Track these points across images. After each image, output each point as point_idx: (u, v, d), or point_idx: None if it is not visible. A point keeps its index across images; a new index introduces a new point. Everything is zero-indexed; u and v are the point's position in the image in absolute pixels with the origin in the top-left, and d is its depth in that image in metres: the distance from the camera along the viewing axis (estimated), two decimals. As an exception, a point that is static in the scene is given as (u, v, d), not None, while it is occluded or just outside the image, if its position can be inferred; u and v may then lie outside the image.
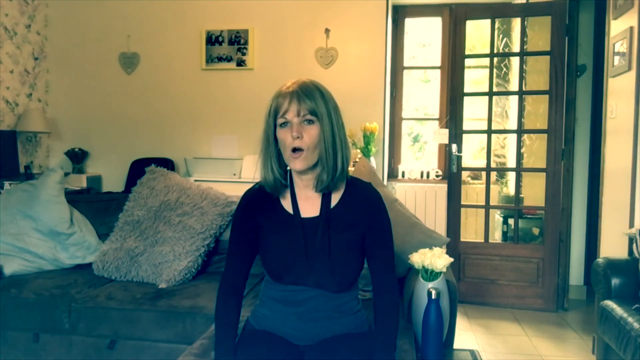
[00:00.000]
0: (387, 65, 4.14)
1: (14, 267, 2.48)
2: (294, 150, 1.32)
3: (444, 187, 4.10)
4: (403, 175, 4.41)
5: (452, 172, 3.84)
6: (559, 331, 3.28)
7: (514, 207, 3.94)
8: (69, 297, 2.21)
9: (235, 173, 4.06)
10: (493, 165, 4.09)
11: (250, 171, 4.04)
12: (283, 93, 1.33)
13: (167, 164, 4.23)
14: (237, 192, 2.33)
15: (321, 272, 1.36)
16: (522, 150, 3.91)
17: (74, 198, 2.92)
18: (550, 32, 3.66)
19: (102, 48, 4.46)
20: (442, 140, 4.21)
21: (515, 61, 4.17)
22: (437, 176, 4.33)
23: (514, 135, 3.97)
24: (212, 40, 4.27)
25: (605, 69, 3.21)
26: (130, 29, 4.41)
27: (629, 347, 2.06)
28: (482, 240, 3.84)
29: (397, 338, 1.40)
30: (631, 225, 2.76)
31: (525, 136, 3.97)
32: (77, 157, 4.43)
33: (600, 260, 2.54)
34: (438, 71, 4.52)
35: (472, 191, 4.31)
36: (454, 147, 3.81)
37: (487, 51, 3.87)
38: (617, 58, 3.02)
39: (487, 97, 3.86)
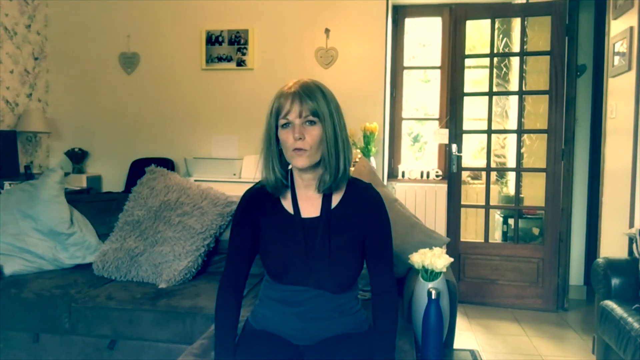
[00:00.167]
0: (387, 65, 4.14)
1: (14, 267, 2.48)
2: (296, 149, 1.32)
3: (444, 187, 4.10)
4: (403, 175, 4.41)
5: (452, 172, 3.84)
6: (559, 331, 3.28)
7: (514, 207, 3.95)
8: (69, 297, 2.21)
9: (235, 173, 4.06)
10: (493, 165, 4.09)
11: (251, 171, 4.04)
12: (285, 93, 1.33)
13: (167, 164, 4.23)
14: (237, 192, 2.33)
15: (321, 272, 1.37)
16: (522, 150, 3.91)
17: (74, 198, 2.92)
18: (550, 32, 3.66)
19: (102, 48, 4.46)
20: (442, 140, 4.21)
21: (515, 61, 4.17)
22: (437, 176, 4.33)
23: (514, 135, 3.97)
24: (212, 40, 4.27)
25: (605, 69, 3.21)
26: (130, 29, 4.41)
27: (629, 347, 2.06)
28: (482, 240, 3.84)
29: (396, 338, 1.40)
30: (631, 225, 2.76)
31: (525, 136, 3.97)
32: (77, 157, 4.43)
33: (600, 260, 2.54)
34: (438, 71, 4.52)
35: (472, 191, 4.31)
36: (454, 147, 3.81)
37: (487, 51, 3.87)
38: (617, 58, 3.02)
39: (487, 97, 3.86)
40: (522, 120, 3.88)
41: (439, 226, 4.13)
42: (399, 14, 4.47)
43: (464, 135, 3.86)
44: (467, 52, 3.82)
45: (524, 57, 3.84)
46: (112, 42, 4.44)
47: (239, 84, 4.28)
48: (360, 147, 3.91)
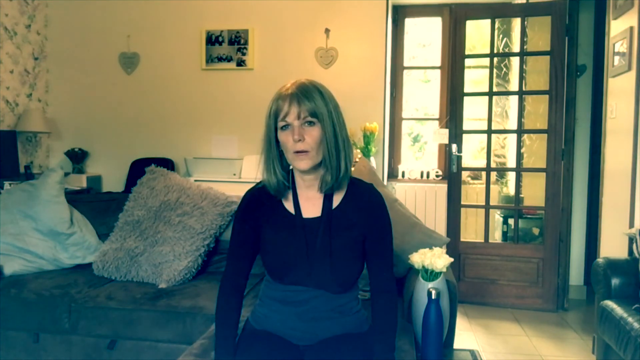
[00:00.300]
0: (387, 65, 4.14)
1: (14, 267, 2.48)
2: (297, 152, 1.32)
3: (444, 187, 4.10)
4: (403, 175, 4.41)
5: (452, 172, 3.84)
6: (559, 331, 3.28)
7: (514, 207, 3.95)
8: (69, 297, 2.21)
9: (235, 173, 4.06)
10: (493, 165, 4.10)
11: (251, 171, 4.04)
12: (283, 95, 1.33)
13: (167, 164, 4.23)
14: (237, 192, 2.34)
15: (322, 272, 1.36)
16: (522, 150, 3.91)
17: (74, 198, 2.92)
18: (550, 32, 3.66)
19: (102, 48, 4.46)
20: (442, 140, 4.21)
21: (515, 61, 4.17)
22: (437, 176, 4.33)
23: (514, 135, 3.98)
24: (212, 40, 4.27)
25: (605, 69, 3.21)
26: (130, 29, 4.41)
27: (629, 347, 2.06)
28: (482, 240, 3.84)
29: (396, 338, 1.40)
30: (631, 225, 2.76)
31: (525, 136, 3.98)
32: (77, 157, 4.43)
33: (600, 260, 2.55)
34: (438, 71, 4.52)
35: (472, 191, 4.31)
36: (454, 147, 3.81)
37: (487, 51, 3.87)
38: (617, 58, 3.02)
39: (487, 97, 3.86)
40: (522, 120, 3.88)
41: (439, 226, 4.13)
42: (399, 14, 4.47)
43: (464, 135, 3.86)
44: (467, 52, 3.82)
45: (524, 57, 3.84)
46: (112, 42, 4.44)
47: (239, 84, 4.28)
48: (360, 147, 3.91)
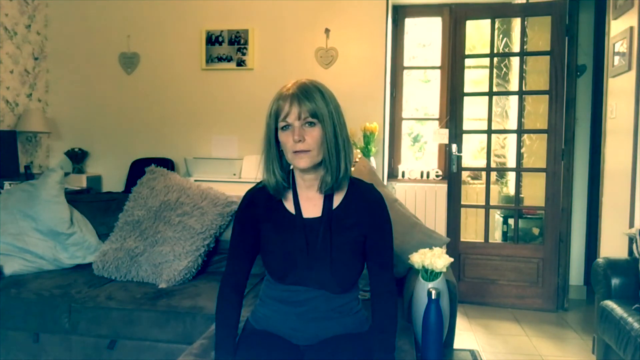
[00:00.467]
0: (387, 65, 4.14)
1: (14, 267, 2.48)
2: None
3: (444, 187, 4.10)
4: (403, 175, 4.41)
5: (452, 172, 3.84)
6: (559, 331, 3.28)
7: (514, 207, 3.95)
8: (69, 297, 2.21)
9: (235, 173, 4.06)
10: (493, 165, 4.10)
11: (251, 171, 4.04)
12: (283, 95, 1.33)
13: (167, 164, 4.23)
14: (237, 192, 2.34)
15: (322, 272, 1.36)
16: (522, 150, 3.91)
17: (74, 198, 2.92)
18: (550, 32, 3.66)
19: (102, 48, 4.46)
20: (442, 140, 4.21)
21: (515, 61, 4.17)
22: (437, 176, 4.33)
23: (514, 135, 3.98)
24: (212, 40, 4.27)
25: (605, 69, 3.21)
26: (130, 29, 4.41)
27: (629, 347, 2.06)
28: (482, 240, 3.84)
29: (396, 338, 1.40)
30: (631, 225, 2.76)
31: (525, 136, 3.98)
32: (77, 157, 4.43)
33: (600, 260, 2.55)
34: (438, 71, 4.52)
35: (472, 191, 4.31)
36: (454, 147, 3.81)
37: (487, 51, 3.87)
38: (617, 58, 3.02)
39: (487, 97, 3.86)
40: (522, 120, 3.88)
41: (439, 226, 4.13)
42: (399, 14, 4.47)
43: (464, 135, 3.86)
44: (467, 52, 3.82)
45: (524, 57, 3.84)
46: (112, 42, 4.44)
47: (239, 84, 4.28)
48: (360, 147, 3.91)
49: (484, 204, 3.88)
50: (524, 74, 3.90)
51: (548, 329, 3.31)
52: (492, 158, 3.99)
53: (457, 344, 1.98)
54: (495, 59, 4.03)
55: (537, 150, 3.99)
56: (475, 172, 4.44)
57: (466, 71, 3.83)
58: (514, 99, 4.12)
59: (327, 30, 4.13)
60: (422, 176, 4.35)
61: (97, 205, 2.87)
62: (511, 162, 4.26)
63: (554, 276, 3.66)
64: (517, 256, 3.73)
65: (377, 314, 1.40)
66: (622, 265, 2.47)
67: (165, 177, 2.67)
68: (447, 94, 4.26)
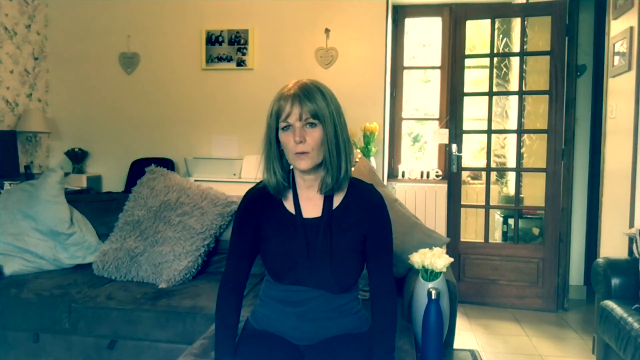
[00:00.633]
0: (387, 65, 4.14)
1: (14, 267, 2.48)
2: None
3: (444, 187, 4.10)
4: (403, 175, 4.41)
5: (452, 172, 3.84)
6: (559, 331, 3.28)
7: (514, 207, 3.95)
8: (69, 297, 2.21)
9: (235, 173, 4.06)
10: (493, 165, 4.10)
11: (251, 171, 4.04)
12: (284, 95, 1.32)
13: (167, 164, 4.23)
14: (237, 192, 2.34)
15: (322, 272, 1.36)
16: (522, 150, 3.91)
17: (74, 198, 2.92)
18: (550, 32, 3.66)
19: (102, 48, 4.46)
20: (442, 140, 4.21)
21: (515, 61, 4.17)
22: (437, 176, 4.33)
23: (514, 135, 3.98)
24: (212, 40, 4.27)
25: (605, 69, 3.21)
26: (130, 29, 4.41)
27: (629, 347, 2.06)
28: (482, 240, 3.84)
29: (396, 338, 1.40)
30: (631, 225, 2.76)
31: (525, 136, 3.98)
32: (77, 157, 4.43)
33: (600, 260, 2.55)
34: (438, 71, 4.52)
35: (472, 191, 4.31)
36: (454, 147, 3.81)
37: (487, 51, 3.87)
38: (617, 58, 3.02)
39: (487, 97, 3.86)
40: (522, 120, 3.88)
41: (439, 226, 4.13)
42: (399, 14, 4.47)
43: (464, 135, 3.86)
44: (467, 52, 3.82)
45: (524, 57, 3.84)
46: (112, 42, 4.44)
47: (239, 84, 4.28)
48: (360, 147, 3.91)
49: (484, 204, 3.88)
50: (524, 74, 3.90)
51: (548, 329, 3.31)
52: (492, 158, 3.99)
53: (457, 344, 1.98)
54: (495, 59, 4.03)
55: (537, 150, 3.99)
56: (475, 172, 4.44)
57: (466, 71, 3.83)
58: (514, 99, 4.12)
59: (327, 30, 4.13)
60: (422, 176, 4.35)
61: (97, 205, 2.87)
62: (511, 162, 4.26)
63: (554, 276, 3.66)
64: (517, 256, 3.73)
65: (377, 314, 1.40)
66: (622, 265, 2.47)
67: (165, 177, 2.67)
68: (447, 94, 4.26)
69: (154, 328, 2.09)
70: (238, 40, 4.24)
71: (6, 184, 3.45)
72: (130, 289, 2.27)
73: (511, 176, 4.29)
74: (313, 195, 1.41)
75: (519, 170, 3.92)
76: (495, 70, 4.00)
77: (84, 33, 4.48)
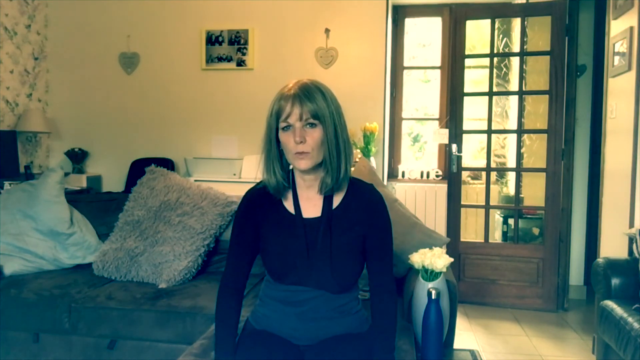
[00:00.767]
0: (387, 65, 4.14)
1: (14, 267, 2.48)
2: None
3: (444, 187, 4.10)
4: (403, 175, 4.41)
5: (452, 172, 3.84)
6: (559, 331, 3.28)
7: (514, 207, 3.95)
8: (69, 297, 2.21)
9: (235, 173, 4.06)
10: (493, 165, 4.10)
11: (251, 171, 4.04)
12: (285, 95, 1.32)
13: (167, 164, 4.23)
14: (237, 192, 2.34)
15: (322, 272, 1.36)
16: (522, 150, 3.91)
17: (74, 198, 2.92)
18: (550, 32, 3.66)
19: (102, 48, 4.46)
20: (442, 140, 4.21)
21: (515, 61, 4.17)
22: (437, 176, 4.33)
23: (514, 135, 3.98)
24: (212, 40, 4.27)
25: (605, 69, 3.21)
26: (130, 29, 4.41)
27: (629, 347, 2.06)
28: (482, 240, 3.84)
29: (396, 338, 1.40)
30: (631, 225, 2.76)
31: (525, 136, 3.98)
32: (77, 157, 4.43)
33: (600, 260, 2.55)
34: (438, 71, 4.52)
35: (472, 191, 4.31)
36: (454, 147, 3.81)
37: (487, 51, 3.87)
38: (617, 58, 3.02)
39: (487, 97, 3.86)
40: (522, 120, 3.88)
41: (439, 226, 4.13)
42: (399, 14, 4.47)
43: (464, 135, 3.86)
44: (467, 52, 3.82)
45: (524, 57, 3.84)
46: (112, 42, 4.44)
47: (239, 84, 4.28)
48: (360, 147, 3.91)
49: (484, 204, 3.88)
50: (524, 74, 3.90)
51: (548, 329, 3.31)
52: (492, 158, 3.99)
53: (457, 344, 1.98)
54: (495, 59, 4.03)
55: (537, 150, 3.99)
56: (475, 172, 4.44)
57: (466, 71, 3.83)
58: (514, 99, 4.12)
59: (327, 30, 4.13)
60: (422, 176, 4.35)
61: (97, 205, 2.87)
62: (511, 162, 4.26)
63: (554, 276, 3.66)
64: (517, 256, 3.73)
65: (377, 314, 1.40)
66: (622, 265, 2.46)
67: (165, 177, 2.67)
68: (447, 94, 4.26)
69: (154, 328, 2.09)
70: (238, 40, 4.24)
71: (6, 184, 3.45)
72: (130, 289, 2.27)
73: (511, 176, 4.29)
74: (313, 195, 1.41)
75: (519, 170, 3.92)
76: (495, 70, 4.00)
77: (84, 33, 4.48)
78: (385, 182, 4.11)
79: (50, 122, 4.47)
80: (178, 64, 4.36)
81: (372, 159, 3.93)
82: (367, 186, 1.44)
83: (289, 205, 1.42)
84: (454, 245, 3.75)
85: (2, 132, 3.94)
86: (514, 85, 4.27)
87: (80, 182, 4.27)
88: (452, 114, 3.88)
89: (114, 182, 4.50)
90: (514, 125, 4.09)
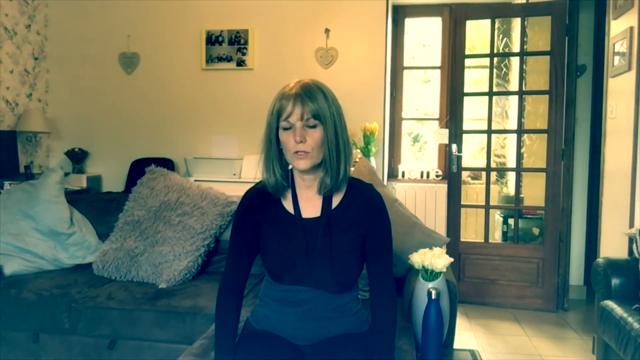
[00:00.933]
0: (387, 65, 4.14)
1: (14, 267, 2.48)
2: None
3: (444, 187, 4.10)
4: (403, 175, 4.41)
5: (452, 172, 3.84)
6: (559, 331, 3.28)
7: (514, 207, 3.94)
8: (69, 297, 2.21)
9: (235, 173, 4.06)
10: (493, 165, 4.10)
11: (251, 171, 4.04)
12: (286, 95, 1.32)
13: (167, 164, 4.23)
14: (237, 192, 2.33)
15: (322, 272, 1.36)
16: (522, 150, 3.91)
17: (74, 198, 2.92)
18: (550, 32, 3.66)
19: (102, 48, 4.46)
20: (442, 140, 4.21)
21: (515, 61, 4.17)
22: (437, 176, 4.33)
23: (514, 135, 3.98)
24: (212, 40, 4.27)
25: (605, 69, 3.21)
26: (130, 29, 4.41)
27: (629, 347, 2.06)
28: (482, 240, 3.84)
29: (396, 338, 1.40)
30: (631, 225, 2.76)
31: (525, 136, 3.97)
32: (77, 157, 4.43)
33: (600, 260, 2.54)
34: (438, 71, 4.52)
35: (472, 191, 4.31)
36: (454, 147, 3.81)
37: (487, 51, 3.87)
38: (617, 58, 3.02)
39: (487, 97, 3.86)
40: (522, 120, 3.88)
41: (439, 226, 4.13)
42: (399, 14, 4.47)
43: (464, 135, 3.86)
44: (467, 52, 3.82)
45: (524, 57, 3.84)
46: (112, 42, 4.44)
47: (239, 84, 4.28)
48: (360, 147, 3.91)
49: (484, 204, 3.88)
50: (524, 74, 3.90)
51: (548, 329, 3.31)
52: (492, 158, 3.99)
53: (457, 344, 1.98)
54: (495, 59, 4.03)
55: (537, 150, 3.99)
56: (475, 172, 4.44)
57: (466, 71, 3.83)
58: (514, 99, 4.11)
59: (327, 30, 4.13)
60: (422, 176, 4.35)
61: (97, 205, 2.87)
62: (511, 162, 4.26)
63: (554, 276, 3.66)
64: (517, 256, 3.73)
65: (377, 314, 1.40)
66: (622, 265, 2.46)
67: (165, 177, 2.67)
68: (447, 94, 4.26)
69: (154, 328, 2.09)
70: (238, 40, 4.24)
71: (6, 184, 3.45)
72: (130, 289, 2.27)
73: (511, 176, 4.29)
74: (312, 195, 1.41)
75: (519, 170, 3.92)
76: (495, 70, 4.00)
77: (84, 33, 4.48)
78: (385, 182, 4.11)
79: (50, 122, 4.47)
80: (178, 64, 4.36)
81: (372, 159, 3.93)
82: (367, 186, 1.44)
83: (288, 205, 1.42)
84: (454, 245, 3.75)
85: (2, 132, 3.94)
86: (514, 85, 4.27)
87: (80, 182, 4.27)
88: (452, 114, 3.88)
89: (114, 182, 4.50)
90: (514, 125, 4.09)
